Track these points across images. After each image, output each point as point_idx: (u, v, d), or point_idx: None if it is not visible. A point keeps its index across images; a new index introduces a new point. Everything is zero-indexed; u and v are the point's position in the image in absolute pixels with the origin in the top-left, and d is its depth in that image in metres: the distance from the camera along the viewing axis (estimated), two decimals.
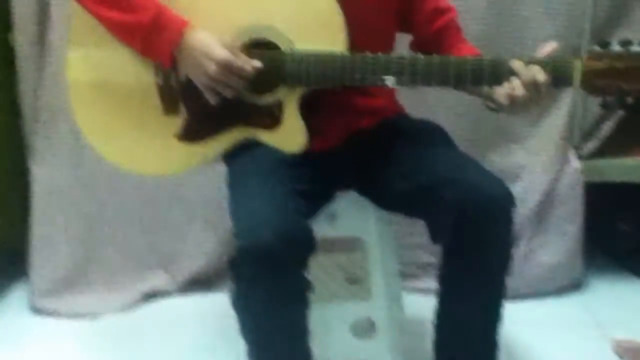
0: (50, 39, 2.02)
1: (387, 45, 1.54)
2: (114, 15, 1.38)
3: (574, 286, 2.23)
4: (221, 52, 1.34)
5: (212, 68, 1.34)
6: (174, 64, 1.39)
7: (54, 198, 2.11)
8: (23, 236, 2.13)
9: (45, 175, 2.10)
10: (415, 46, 1.60)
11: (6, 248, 2.19)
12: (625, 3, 2.11)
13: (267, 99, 1.42)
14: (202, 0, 1.41)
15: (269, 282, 1.28)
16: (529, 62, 1.34)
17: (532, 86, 1.32)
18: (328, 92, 1.44)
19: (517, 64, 1.33)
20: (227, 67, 1.34)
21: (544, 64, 1.33)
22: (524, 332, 1.94)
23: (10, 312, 2.10)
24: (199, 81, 1.38)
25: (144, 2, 1.37)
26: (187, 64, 1.37)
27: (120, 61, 1.45)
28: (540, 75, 1.32)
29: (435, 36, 1.54)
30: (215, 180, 2.08)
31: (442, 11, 1.56)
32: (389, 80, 1.38)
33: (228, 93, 1.38)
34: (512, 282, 1.46)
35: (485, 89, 1.42)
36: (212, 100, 1.39)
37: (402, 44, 1.62)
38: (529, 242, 2.17)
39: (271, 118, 1.42)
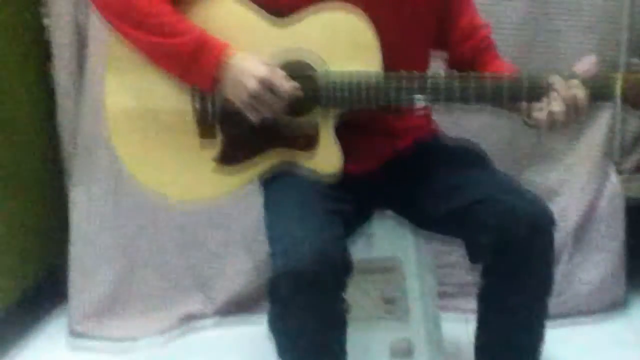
0: (88, 68, 2.06)
1: (422, 64, 1.54)
2: (153, 39, 1.39)
3: (617, 305, 2.18)
4: (262, 69, 1.35)
5: (252, 84, 1.35)
6: (213, 87, 1.40)
7: (92, 223, 2.13)
8: (62, 261, 2.16)
9: (84, 201, 2.13)
10: (451, 64, 1.59)
11: (46, 272, 2.22)
12: None
13: (303, 121, 1.42)
14: (237, 24, 1.42)
15: (306, 304, 1.28)
16: (568, 77, 1.32)
17: (572, 101, 1.31)
18: (365, 116, 1.44)
19: (555, 79, 1.32)
20: (267, 84, 1.35)
21: (583, 78, 1.32)
22: (565, 353, 1.91)
23: (49, 336, 2.13)
24: (239, 99, 1.38)
25: (184, 26, 1.38)
26: (227, 84, 1.38)
27: (157, 88, 1.47)
28: (579, 90, 1.30)
29: (471, 53, 1.54)
30: (252, 203, 2.10)
31: (477, 28, 1.55)
32: (425, 99, 1.37)
33: (267, 111, 1.38)
34: (552, 301, 1.44)
35: (524, 105, 1.40)
36: (253, 118, 1.39)
37: (437, 62, 1.62)
38: (570, 260, 2.14)
39: (307, 140, 1.43)
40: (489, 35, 1.57)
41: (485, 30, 1.56)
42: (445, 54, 1.60)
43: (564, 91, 1.31)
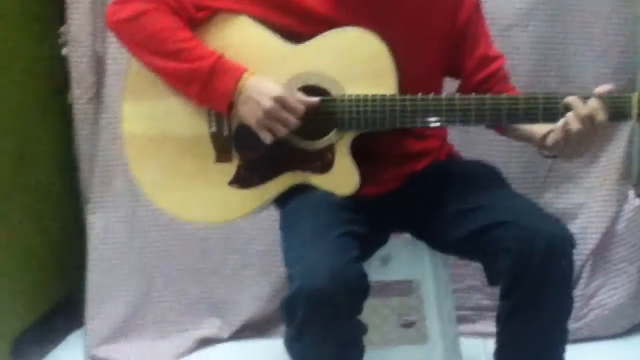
0: (106, 94, 2.09)
1: (436, 89, 1.54)
2: (171, 65, 1.42)
3: (636, 328, 2.15)
4: (276, 88, 1.38)
5: (267, 102, 1.37)
6: (230, 109, 1.42)
7: (109, 247, 2.15)
8: (79, 286, 2.17)
9: (101, 227, 2.14)
10: (463, 92, 1.59)
11: (64, 297, 2.23)
12: None
13: (319, 144, 1.43)
14: (255, 48, 1.44)
15: (323, 326, 1.28)
16: (585, 97, 1.33)
17: (588, 119, 1.31)
18: (381, 139, 1.45)
19: (572, 99, 1.33)
20: (281, 102, 1.37)
21: (600, 97, 1.32)
22: None
23: None
24: (254, 117, 1.39)
25: (202, 51, 1.41)
26: (243, 105, 1.40)
27: (173, 113, 1.49)
28: (596, 108, 1.30)
29: (484, 83, 1.54)
30: (267, 226, 2.11)
31: (491, 59, 1.55)
32: (440, 121, 1.38)
33: (281, 131, 1.39)
34: (572, 325, 1.43)
35: (538, 134, 1.41)
36: (265, 138, 1.41)
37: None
38: (588, 283, 2.11)
39: (323, 162, 1.44)
40: (503, 66, 1.57)
41: (500, 61, 1.57)
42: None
43: (581, 109, 1.31)
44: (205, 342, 2.18)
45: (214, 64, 1.39)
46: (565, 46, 2.04)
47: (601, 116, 1.31)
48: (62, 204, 2.22)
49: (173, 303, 2.19)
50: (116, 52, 2.05)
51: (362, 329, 1.35)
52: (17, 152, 2.01)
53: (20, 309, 2.01)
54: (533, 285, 1.32)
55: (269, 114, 1.37)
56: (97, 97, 2.11)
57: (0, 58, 1.93)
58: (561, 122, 1.33)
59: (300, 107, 1.38)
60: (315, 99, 1.40)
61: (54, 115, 2.18)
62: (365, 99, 1.39)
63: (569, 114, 1.32)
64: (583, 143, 1.35)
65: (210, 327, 2.19)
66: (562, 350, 1.42)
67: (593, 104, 1.31)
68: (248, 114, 1.40)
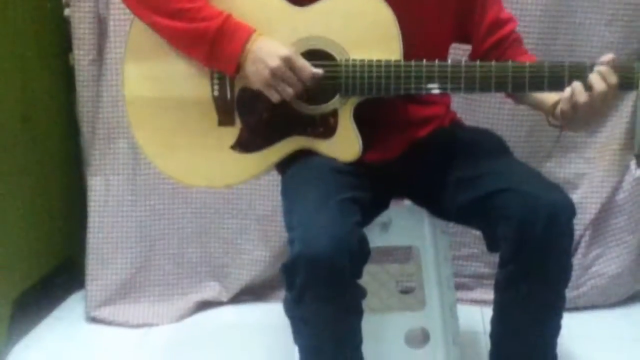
0: (109, 57, 2.08)
1: (441, 56, 1.53)
2: (178, 25, 1.41)
3: (634, 298, 2.18)
4: (285, 50, 1.37)
5: (275, 61, 1.36)
6: (237, 71, 1.41)
7: (109, 210, 2.15)
8: (80, 248, 2.18)
9: (101, 189, 2.14)
10: (474, 58, 1.56)
11: (65, 258, 2.24)
12: None
13: (322, 109, 1.43)
14: (258, 13, 1.42)
15: (323, 290, 1.28)
16: (591, 65, 1.32)
17: (595, 89, 1.30)
18: (384, 105, 1.44)
19: (579, 68, 1.32)
20: (289, 63, 1.36)
21: (611, 64, 1.31)
22: (581, 345, 1.90)
23: (66, 322, 2.15)
24: (261, 77, 1.38)
25: (209, 12, 1.40)
26: (250, 65, 1.39)
27: (176, 75, 1.48)
28: (603, 75, 1.30)
29: (495, 48, 1.52)
30: (268, 191, 2.12)
31: (503, 22, 1.53)
32: (445, 88, 1.37)
33: (287, 92, 1.39)
34: (570, 293, 1.44)
35: (548, 102, 1.40)
36: (272, 98, 1.40)
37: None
38: (587, 253, 2.13)
39: (326, 128, 1.43)
40: (515, 30, 1.55)
41: (512, 24, 1.54)
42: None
43: (588, 79, 1.31)
44: (204, 305, 2.20)
45: (222, 25, 1.38)
46: (573, 14, 2.02)
47: (609, 84, 1.30)
48: (65, 165, 2.22)
49: (173, 266, 2.20)
50: (119, 14, 2.04)
51: (361, 293, 1.35)
52: (21, 114, 2.00)
53: (22, 270, 2.02)
54: (534, 252, 1.32)
55: (275, 74, 1.36)
56: (100, 58, 2.09)
57: (3, 19, 1.91)
58: (567, 92, 1.32)
59: (308, 70, 1.37)
60: (319, 70, 1.38)
61: (58, 76, 2.17)
62: (369, 64, 1.38)
63: (576, 84, 1.32)
64: (591, 114, 1.34)
65: (209, 291, 2.21)
66: (559, 318, 1.43)
67: (602, 71, 1.30)
68: (255, 74, 1.39)
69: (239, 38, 1.38)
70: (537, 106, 1.48)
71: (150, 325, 2.11)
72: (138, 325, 2.11)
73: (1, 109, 1.91)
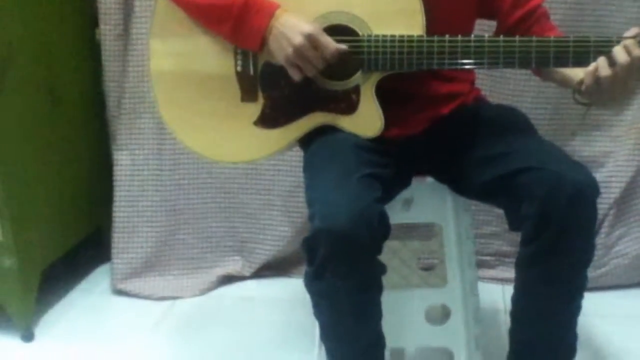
0: (134, 32, 2.09)
1: (466, 31, 1.51)
2: (203, 1, 1.42)
3: None
4: (309, 26, 1.37)
5: (298, 39, 1.35)
6: (262, 47, 1.41)
7: (135, 184, 2.18)
8: (106, 221, 2.21)
9: (127, 163, 2.17)
10: (500, 34, 1.55)
11: (92, 231, 2.28)
12: None
13: (344, 85, 1.42)
14: None
15: (343, 265, 1.29)
16: (617, 40, 1.30)
17: (622, 64, 1.28)
18: (408, 81, 1.43)
19: (605, 42, 1.30)
20: (312, 40, 1.36)
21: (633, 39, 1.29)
22: (603, 324, 1.90)
23: (92, 294, 2.19)
24: (284, 53, 1.38)
25: None
26: (274, 41, 1.39)
27: (201, 51, 1.48)
28: (634, 50, 1.28)
29: (521, 22, 1.50)
30: (290, 167, 2.13)
31: None
32: (469, 64, 1.36)
33: (310, 68, 1.39)
34: (592, 273, 1.43)
35: (574, 78, 1.38)
36: (294, 76, 1.40)
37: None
38: (611, 232, 2.11)
39: (348, 103, 1.43)
40: (541, 4, 1.52)
41: None
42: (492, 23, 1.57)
43: (615, 54, 1.29)
44: (227, 280, 2.23)
45: (247, 1, 1.38)
46: None
47: (633, 57, 1.28)
48: (92, 140, 2.25)
49: (197, 240, 2.23)
50: None
51: (381, 269, 1.36)
52: (48, 89, 2.03)
53: (50, 243, 2.06)
54: (557, 231, 1.31)
55: (299, 51, 1.36)
56: (125, 34, 2.11)
57: None
58: (591, 66, 1.31)
59: (332, 47, 1.37)
60: (343, 46, 1.38)
61: (84, 52, 2.19)
62: (392, 39, 1.37)
63: (601, 59, 1.30)
64: (616, 88, 1.32)
65: (233, 265, 2.24)
66: (581, 297, 1.42)
67: (628, 45, 1.28)
68: (278, 50, 1.39)
69: (264, 14, 1.38)
70: (564, 83, 1.46)
71: (174, 298, 2.15)
72: (163, 298, 2.15)
73: (29, 85, 1.94)
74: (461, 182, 1.50)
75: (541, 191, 1.31)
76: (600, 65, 1.30)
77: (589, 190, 1.33)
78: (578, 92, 1.38)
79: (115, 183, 2.18)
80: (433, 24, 1.38)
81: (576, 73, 1.40)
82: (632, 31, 1.32)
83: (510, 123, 1.51)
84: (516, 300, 1.47)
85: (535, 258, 1.38)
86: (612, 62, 1.30)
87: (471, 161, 1.45)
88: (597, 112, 2.05)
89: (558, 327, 1.45)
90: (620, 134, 2.09)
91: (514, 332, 1.49)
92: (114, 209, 2.18)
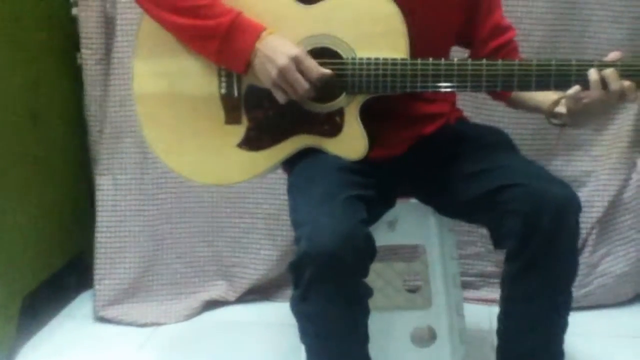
0: (116, 57, 2.09)
1: (446, 56, 1.54)
2: (188, 22, 1.42)
3: None
4: (294, 48, 1.37)
5: (283, 60, 1.36)
6: (247, 68, 1.42)
7: (117, 209, 2.16)
8: (88, 247, 2.19)
9: (110, 188, 2.16)
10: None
11: (75, 256, 2.26)
12: None
13: (329, 107, 1.43)
14: (267, 11, 1.43)
15: (329, 288, 1.29)
16: (599, 65, 1.32)
17: (601, 87, 1.30)
18: (390, 101, 1.44)
19: (579, 65, 1.32)
20: (297, 62, 1.36)
21: (621, 63, 1.32)
22: (588, 343, 1.90)
23: (75, 321, 2.16)
24: (269, 76, 1.38)
25: (220, 8, 1.40)
26: (260, 64, 1.39)
27: (185, 72, 1.48)
28: (610, 75, 1.30)
29: (495, 53, 1.53)
30: (274, 190, 2.13)
31: (504, 29, 1.55)
32: (452, 87, 1.37)
33: (294, 91, 1.39)
34: (576, 292, 1.44)
35: (545, 102, 1.41)
36: (279, 98, 1.40)
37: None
38: (594, 251, 2.12)
39: (332, 126, 1.44)
40: (513, 38, 1.57)
41: (512, 32, 1.56)
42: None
43: (595, 75, 1.31)
44: (212, 305, 2.21)
45: (233, 22, 1.39)
46: (580, 11, 2.01)
47: (615, 85, 1.30)
48: (74, 164, 2.24)
49: (180, 265, 2.21)
50: (126, 13, 2.05)
51: (367, 291, 1.36)
52: (30, 112, 2.02)
53: (32, 268, 2.03)
54: (541, 246, 1.32)
55: (283, 73, 1.37)
56: (107, 58, 2.11)
57: (11, 18, 1.92)
58: (573, 90, 1.33)
59: (316, 71, 1.37)
60: (327, 71, 1.38)
61: (67, 75, 2.18)
62: (376, 62, 1.38)
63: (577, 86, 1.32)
64: (597, 112, 1.35)
65: (217, 290, 2.22)
66: (567, 313, 1.43)
67: (607, 72, 1.31)
68: (263, 72, 1.39)
69: (250, 35, 1.39)
70: (535, 108, 1.49)
71: (158, 324, 2.12)
72: (146, 325, 2.12)
73: (11, 107, 1.93)
74: (444, 201, 1.51)
75: (523, 207, 1.32)
76: (580, 90, 1.32)
77: (571, 205, 1.34)
78: (552, 115, 1.40)
79: (97, 208, 2.16)
80: (415, 48, 1.39)
81: (546, 96, 1.43)
82: (614, 55, 1.34)
83: (493, 142, 1.53)
84: (502, 317, 1.47)
85: (520, 274, 1.39)
86: (603, 86, 1.31)
87: (455, 178, 1.46)
88: (578, 132, 2.08)
89: (545, 343, 1.45)
90: (601, 153, 2.12)
91: (501, 350, 1.49)
92: (96, 234, 2.16)
